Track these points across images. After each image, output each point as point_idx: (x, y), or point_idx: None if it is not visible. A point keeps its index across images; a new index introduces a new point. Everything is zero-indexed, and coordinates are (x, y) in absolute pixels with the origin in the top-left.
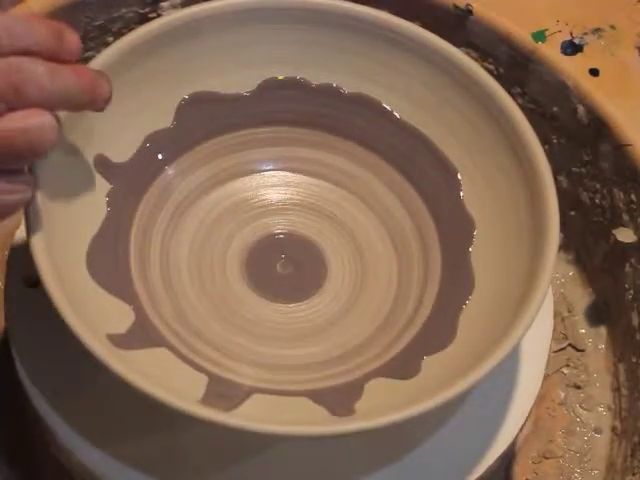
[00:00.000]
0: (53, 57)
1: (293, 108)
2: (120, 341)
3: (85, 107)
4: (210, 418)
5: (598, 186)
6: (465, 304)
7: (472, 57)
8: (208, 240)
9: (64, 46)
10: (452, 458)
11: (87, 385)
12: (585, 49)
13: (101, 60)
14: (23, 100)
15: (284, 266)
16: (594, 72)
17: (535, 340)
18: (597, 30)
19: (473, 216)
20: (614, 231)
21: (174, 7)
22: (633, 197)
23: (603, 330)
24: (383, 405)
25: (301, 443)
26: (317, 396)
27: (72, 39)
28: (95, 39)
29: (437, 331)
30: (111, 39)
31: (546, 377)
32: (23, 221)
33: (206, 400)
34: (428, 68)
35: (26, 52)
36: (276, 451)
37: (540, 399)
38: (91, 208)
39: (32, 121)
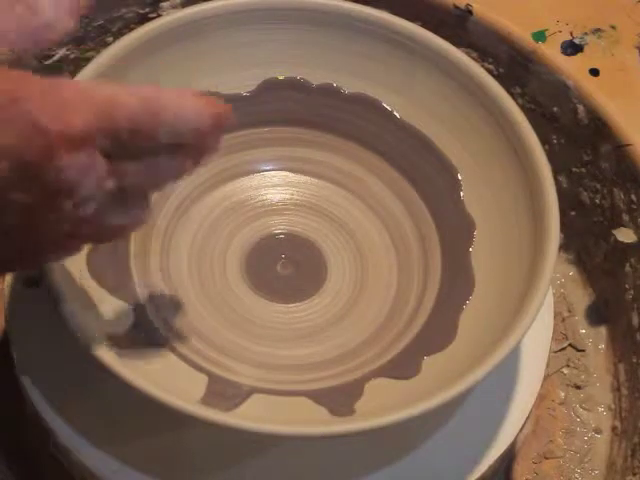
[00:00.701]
0: (199, 151)
1: (293, 108)
2: (120, 341)
3: None
4: (210, 418)
5: (598, 186)
6: (465, 304)
7: (472, 57)
8: (208, 240)
9: (216, 140)
10: (452, 458)
11: (87, 385)
12: (585, 49)
13: (101, 60)
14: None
15: (284, 266)
16: (594, 72)
17: (535, 340)
18: (597, 30)
19: (473, 216)
20: (614, 231)
21: (174, 7)
22: (633, 197)
23: (603, 330)
24: (383, 405)
25: (301, 443)
26: (317, 396)
27: (220, 135)
28: (95, 39)
29: (437, 331)
30: (111, 39)
31: (546, 377)
32: None
33: (206, 400)
34: (428, 68)
35: (179, 145)
36: (276, 451)
37: (540, 399)
38: None
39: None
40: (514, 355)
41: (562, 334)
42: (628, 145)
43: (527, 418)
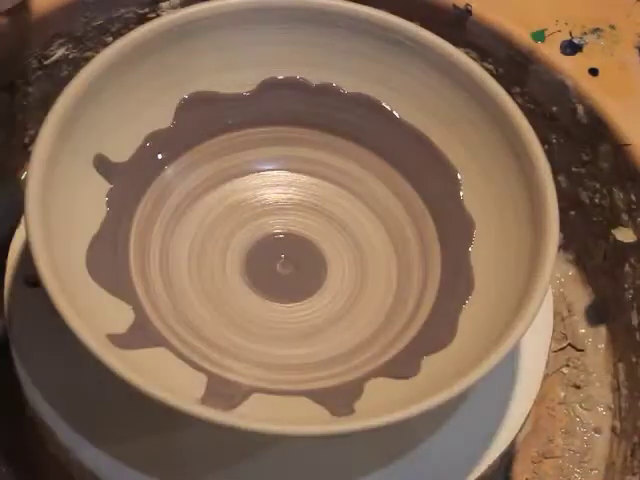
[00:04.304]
0: None
1: (293, 108)
2: (120, 341)
3: None
4: (210, 418)
5: (598, 186)
6: (465, 304)
7: (472, 57)
8: (208, 240)
9: None
10: (452, 458)
11: (87, 385)
12: (584, 49)
13: (100, 60)
14: None
15: (284, 266)
16: (593, 72)
17: (535, 340)
18: (597, 30)
19: (473, 216)
20: (614, 231)
21: (173, 7)
22: (633, 197)
23: (603, 330)
24: (383, 405)
25: (301, 443)
26: (317, 396)
27: None
28: (94, 39)
29: (437, 331)
30: (110, 39)
31: (546, 377)
32: (23, 221)
33: (206, 400)
34: (428, 68)
35: None
36: (276, 451)
37: (540, 399)
38: (91, 208)
39: None
40: (514, 355)
41: (562, 334)
42: (627, 145)
43: (526, 418)
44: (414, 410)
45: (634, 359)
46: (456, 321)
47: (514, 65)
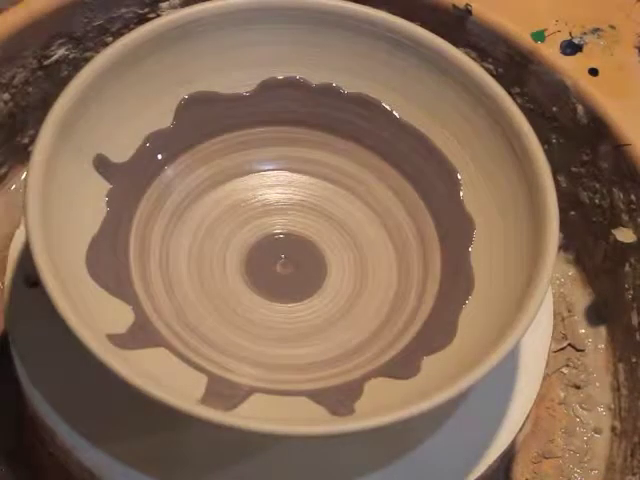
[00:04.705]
0: None
1: (293, 108)
2: (120, 341)
3: None
4: (210, 418)
5: (598, 186)
6: (465, 304)
7: (471, 57)
8: (208, 240)
9: None
10: (452, 458)
11: (87, 385)
12: (584, 49)
13: (100, 60)
14: None
15: (284, 266)
16: (593, 72)
17: (535, 340)
18: (596, 30)
19: (473, 216)
20: (614, 231)
21: (173, 7)
22: (633, 197)
23: (603, 330)
24: (383, 405)
25: (301, 443)
26: (317, 396)
27: None
28: (94, 39)
29: (437, 331)
30: (110, 39)
31: (546, 377)
32: (23, 221)
33: (206, 400)
34: (428, 68)
35: None
36: (276, 451)
37: (540, 399)
38: (91, 208)
39: None
40: (514, 355)
41: (562, 334)
42: (627, 145)
43: (526, 418)
44: (414, 410)
45: (634, 359)
46: (456, 321)
47: (514, 65)
